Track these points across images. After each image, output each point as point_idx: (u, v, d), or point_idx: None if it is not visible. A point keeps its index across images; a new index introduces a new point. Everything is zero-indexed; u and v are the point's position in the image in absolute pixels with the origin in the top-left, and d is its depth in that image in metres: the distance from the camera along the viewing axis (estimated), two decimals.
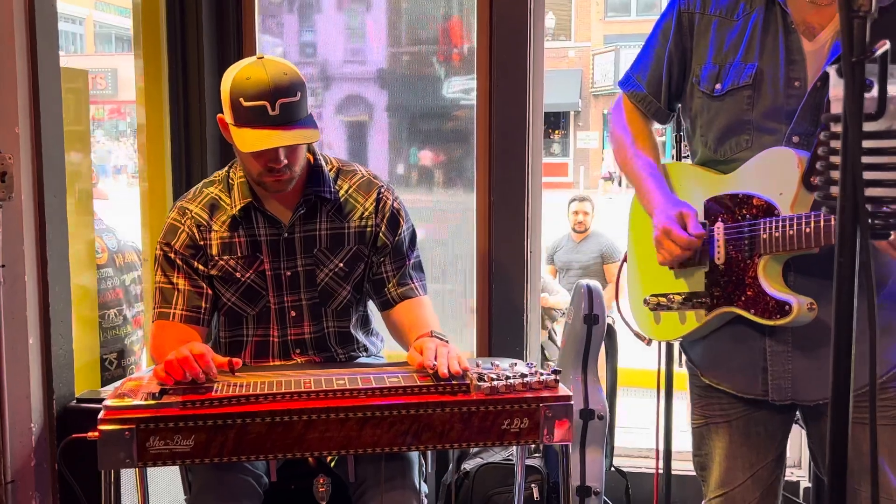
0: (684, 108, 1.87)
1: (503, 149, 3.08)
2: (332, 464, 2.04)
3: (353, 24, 3.34)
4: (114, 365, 3.13)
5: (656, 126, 1.98)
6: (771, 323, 1.64)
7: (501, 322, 3.12)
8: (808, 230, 1.54)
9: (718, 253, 1.73)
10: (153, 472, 2.24)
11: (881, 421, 1.39)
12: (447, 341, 1.93)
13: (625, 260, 2.02)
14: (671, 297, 1.80)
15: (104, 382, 3.06)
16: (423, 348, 1.86)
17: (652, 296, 1.85)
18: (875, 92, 0.86)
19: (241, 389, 1.75)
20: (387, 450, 1.76)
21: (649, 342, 2.04)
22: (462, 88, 3.25)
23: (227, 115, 1.94)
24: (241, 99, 1.88)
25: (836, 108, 0.91)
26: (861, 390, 1.50)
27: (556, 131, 26.40)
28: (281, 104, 1.87)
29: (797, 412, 1.84)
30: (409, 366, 1.90)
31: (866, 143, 0.89)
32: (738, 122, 1.70)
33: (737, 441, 1.83)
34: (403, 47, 3.31)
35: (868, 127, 0.88)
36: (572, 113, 25.77)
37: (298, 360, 2.13)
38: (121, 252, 3.29)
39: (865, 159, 0.88)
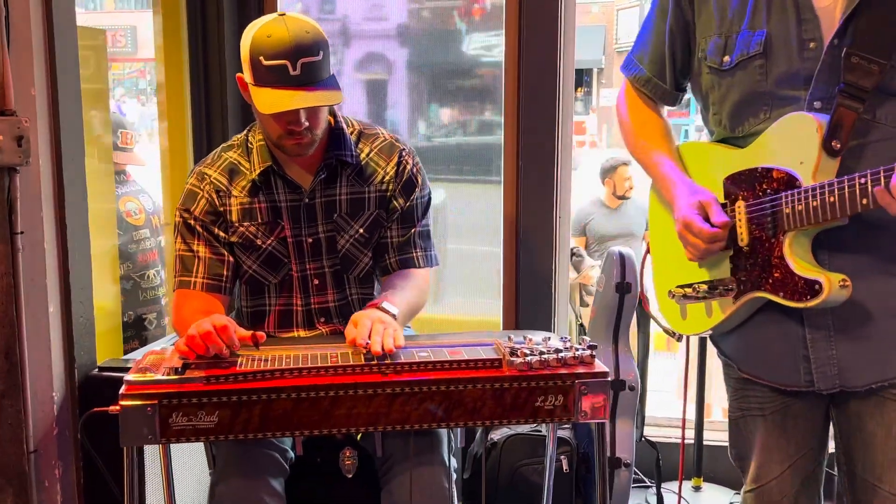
0: (694, 87, 1.75)
1: (532, 110, 2.98)
2: (359, 437, 2.00)
3: None
4: (153, 325, 3.13)
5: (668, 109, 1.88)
6: (801, 305, 1.53)
7: (529, 291, 3.04)
8: (832, 199, 1.43)
9: (741, 234, 1.61)
10: (178, 446, 2.21)
11: None
12: (394, 315, 1.85)
13: (648, 252, 1.91)
14: (696, 286, 1.69)
15: (143, 342, 3.07)
16: (359, 323, 1.77)
17: (677, 287, 1.74)
18: None
19: (266, 364, 1.71)
20: (416, 427, 1.71)
21: (679, 337, 1.95)
22: (484, 45, 3.16)
23: (247, 75, 1.86)
24: (262, 58, 1.80)
25: None
26: None
27: (579, 88, 26.07)
28: (302, 64, 1.79)
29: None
30: (345, 342, 1.80)
31: None
32: (753, 94, 1.59)
33: (773, 434, 1.73)
34: (424, 3, 3.23)
35: None
36: (595, 70, 25.39)
37: (323, 330, 2.07)
38: (156, 213, 3.27)
39: None
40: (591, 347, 1.76)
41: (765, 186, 1.57)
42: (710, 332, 1.76)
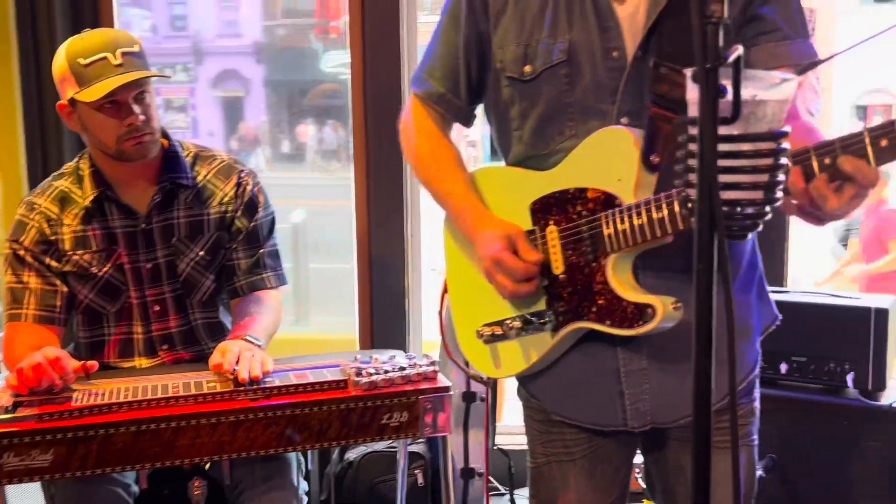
0: (489, 103, 1.59)
1: (379, 127, 3.03)
2: (207, 466, 1.98)
3: None
4: None
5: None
6: (632, 332, 1.39)
7: (383, 309, 3.09)
8: (659, 215, 1.32)
9: (556, 261, 1.47)
10: (15, 488, 2.11)
11: (720, 444, 1.03)
12: (260, 345, 1.88)
13: (445, 290, 1.70)
14: (507, 323, 1.51)
15: None
16: (226, 350, 1.80)
17: (485, 325, 1.54)
18: (730, 97, 0.86)
19: (103, 398, 1.67)
20: (262, 452, 1.71)
21: (489, 382, 1.79)
22: (342, 62, 3.18)
23: (70, 88, 1.86)
24: (80, 59, 1.83)
25: (693, 111, 0.91)
26: (717, 405, 1.06)
27: None
28: (123, 53, 1.85)
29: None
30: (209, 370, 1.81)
31: (723, 147, 0.90)
32: (559, 106, 1.46)
33: (582, 482, 1.58)
34: (279, 20, 3.22)
35: (724, 130, 0.89)
36: None
37: (165, 359, 2.04)
38: None
39: (722, 163, 0.89)
40: (433, 363, 1.82)
41: (579, 208, 1.44)
42: (527, 371, 1.57)
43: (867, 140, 1.12)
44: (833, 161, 1.14)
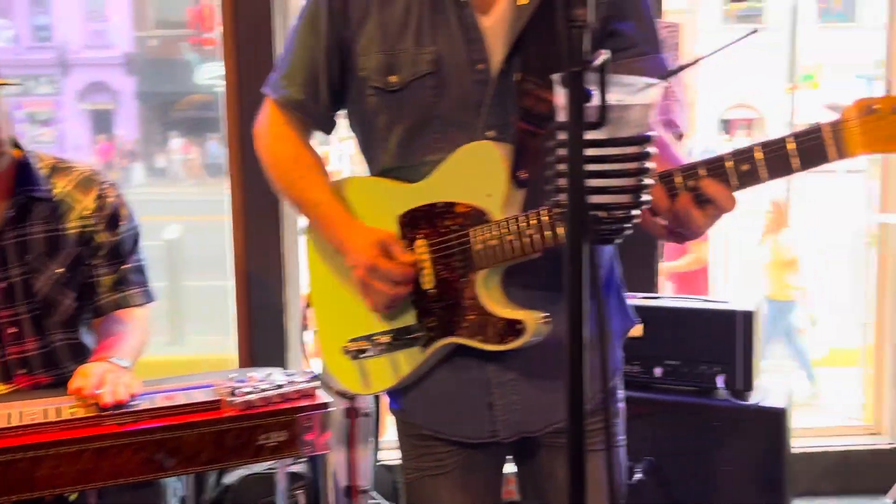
0: (353, 110, 1.54)
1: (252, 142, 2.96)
2: (73, 497, 1.86)
3: (92, 5, 3.08)
4: None
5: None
6: (503, 348, 1.39)
7: (261, 326, 3.02)
8: (528, 231, 1.32)
9: (427, 276, 1.45)
10: None
11: (590, 447, 1.01)
12: (125, 367, 1.79)
13: (308, 305, 1.67)
14: (375, 338, 1.49)
15: None
16: (88, 373, 1.71)
17: (352, 341, 1.52)
18: (596, 101, 0.87)
19: None
20: (132, 480, 1.63)
21: (353, 398, 1.78)
22: (218, 74, 3.10)
23: None
24: None
25: (562, 116, 0.92)
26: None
27: None
28: None
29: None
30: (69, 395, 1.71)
31: (590, 152, 0.91)
32: (425, 118, 1.43)
33: (455, 495, 1.58)
34: (151, 31, 3.11)
35: (591, 135, 0.90)
36: None
37: (22, 384, 1.92)
38: None
39: (590, 167, 0.90)
40: (312, 379, 1.77)
41: (448, 223, 1.42)
42: (395, 387, 1.55)
43: (730, 165, 1.16)
44: (696, 184, 1.18)
